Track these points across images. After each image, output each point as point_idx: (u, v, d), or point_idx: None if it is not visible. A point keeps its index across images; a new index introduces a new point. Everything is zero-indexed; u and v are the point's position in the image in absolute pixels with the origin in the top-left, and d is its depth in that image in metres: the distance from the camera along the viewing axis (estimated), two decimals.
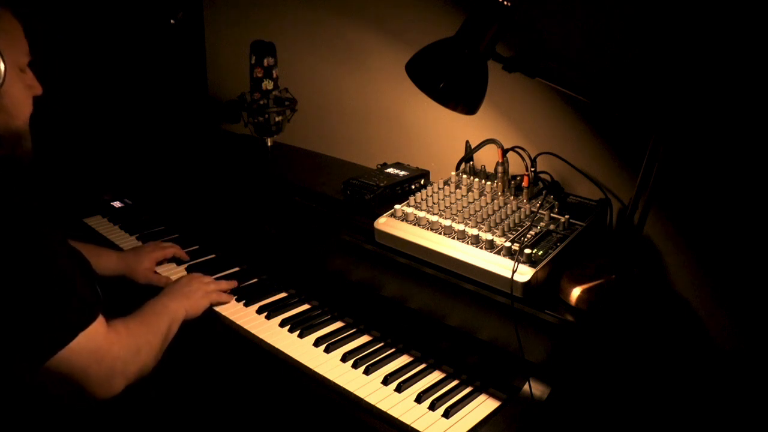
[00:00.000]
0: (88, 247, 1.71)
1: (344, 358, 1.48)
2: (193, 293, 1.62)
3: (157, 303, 1.55)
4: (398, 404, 1.34)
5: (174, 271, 1.86)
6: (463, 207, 1.57)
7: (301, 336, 1.57)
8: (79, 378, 1.25)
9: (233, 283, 1.74)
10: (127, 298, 1.74)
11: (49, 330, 1.22)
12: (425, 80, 1.40)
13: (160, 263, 1.87)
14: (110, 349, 1.30)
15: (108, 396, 1.30)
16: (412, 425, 1.28)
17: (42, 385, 1.26)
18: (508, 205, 1.56)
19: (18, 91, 1.34)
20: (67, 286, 1.25)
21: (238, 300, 1.71)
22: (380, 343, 1.55)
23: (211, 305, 1.65)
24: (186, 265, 1.88)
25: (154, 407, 1.63)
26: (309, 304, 1.72)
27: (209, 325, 1.65)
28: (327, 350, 1.51)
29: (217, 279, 1.75)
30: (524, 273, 1.34)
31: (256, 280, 1.82)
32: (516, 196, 1.62)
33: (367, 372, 1.44)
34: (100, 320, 1.29)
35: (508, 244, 1.41)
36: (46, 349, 1.21)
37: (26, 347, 1.21)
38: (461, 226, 1.48)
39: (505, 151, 1.63)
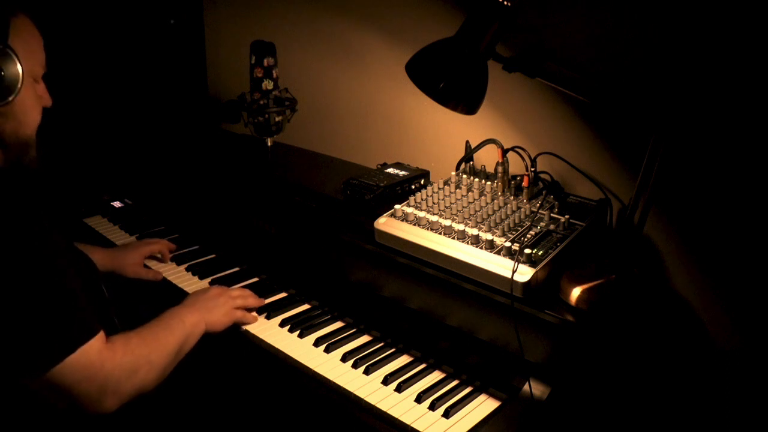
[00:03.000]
0: (78, 245, 1.71)
1: (344, 358, 1.48)
2: (217, 308, 1.55)
3: (174, 315, 1.48)
4: (398, 404, 1.34)
5: (172, 270, 1.86)
6: (463, 207, 1.57)
7: (301, 336, 1.57)
8: (69, 393, 1.23)
9: (261, 301, 1.67)
10: (120, 294, 1.74)
11: (46, 344, 1.20)
12: (425, 80, 1.40)
13: (157, 260, 1.89)
14: (102, 366, 1.25)
15: (99, 413, 1.26)
16: (412, 425, 1.28)
17: (35, 395, 1.25)
18: (508, 205, 1.56)
19: (30, 100, 1.34)
20: (67, 302, 1.23)
21: None
22: (380, 343, 1.55)
23: (236, 323, 1.59)
24: (186, 265, 1.88)
25: (152, 406, 1.63)
26: (309, 304, 1.72)
27: None
28: (327, 350, 1.51)
29: (219, 278, 1.74)
30: (524, 273, 1.34)
31: (256, 279, 1.82)
32: (516, 196, 1.62)
33: (367, 372, 1.44)
34: (99, 336, 1.26)
35: (508, 244, 1.41)
36: (43, 362, 1.19)
37: (21, 360, 1.20)
38: (461, 226, 1.48)
39: (505, 151, 1.63)
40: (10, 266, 1.18)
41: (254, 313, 1.63)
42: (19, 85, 1.28)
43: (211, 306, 1.55)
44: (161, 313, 1.48)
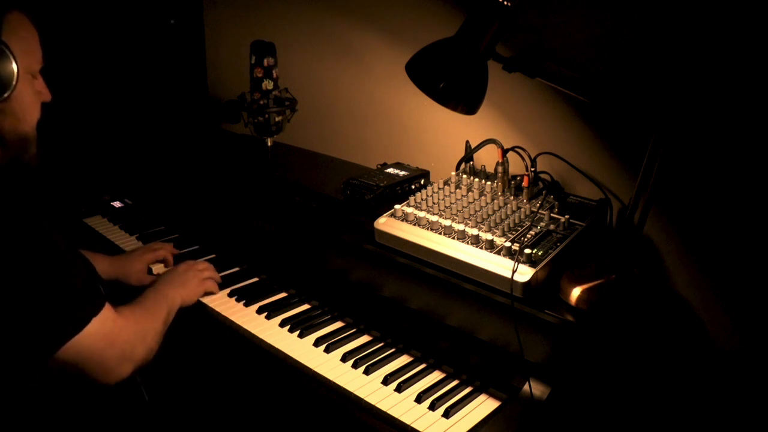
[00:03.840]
0: (82, 252, 1.71)
1: (344, 358, 1.48)
2: (189, 281, 1.66)
3: (156, 291, 1.58)
4: (398, 404, 1.34)
5: None
6: (463, 207, 1.57)
7: (301, 336, 1.57)
8: (92, 362, 1.30)
9: (219, 277, 1.77)
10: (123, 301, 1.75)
11: (64, 316, 1.26)
12: (425, 80, 1.40)
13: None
14: (120, 333, 1.34)
15: (116, 380, 1.34)
16: (412, 425, 1.28)
17: (46, 379, 1.29)
18: (508, 205, 1.56)
19: (28, 96, 1.35)
20: (77, 276, 1.30)
21: (238, 300, 1.71)
22: (380, 343, 1.55)
23: (205, 293, 1.69)
24: None
25: (154, 407, 1.63)
26: (309, 304, 1.72)
27: (209, 325, 1.65)
28: (327, 350, 1.51)
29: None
30: (524, 273, 1.34)
31: (256, 279, 1.82)
32: (516, 196, 1.62)
33: (367, 372, 1.44)
34: (109, 306, 1.34)
35: (508, 244, 1.41)
36: (61, 334, 1.25)
37: (42, 334, 1.25)
38: (461, 226, 1.48)
39: (505, 151, 1.63)
40: (15, 258, 1.21)
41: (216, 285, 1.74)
42: (14, 82, 1.28)
43: (184, 280, 1.66)
44: (143, 293, 1.57)
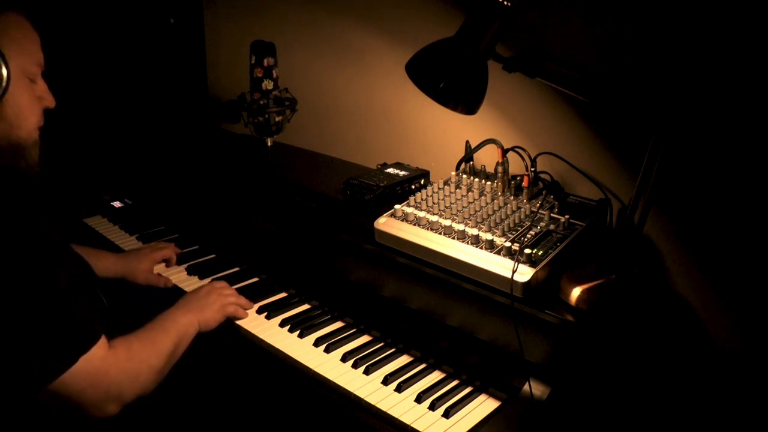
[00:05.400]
0: (87, 249, 1.70)
1: (344, 358, 1.48)
2: (209, 306, 1.56)
3: (168, 317, 1.49)
4: (398, 404, 1.34)
5: (175, 272, 1.86)
6: (463, 207, 1.57)
7: (301, 336, 1.57)
8: (72, 399, 1.22)
9: (250, 304, 1.67)
10: (128, 298, 1.75)
11: (49, 356, 1.19)
12: (425, 80, 1.40)
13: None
14: (107, 372, 1.25)
15: (100, 417, 1.26)
16: (412, 425, 1.28)
17: (37, 402, 1.23)
18: (508, 205, 1.56)
19: (24, 101, 1.28)
20: (68, 310, 1.22)
21: None
22: (380, 343, 1.55)
23: (228, 318, 1.60)
24: (186, 265, 1.88)
25: (152, 406, 1.63)
26: (309, 304, 1.72)
27: None
28: (327, 350, 1.51)
29: (219, 278, 1.76)
30: (524, 273, 1.34)
31: (256, 279, 1.82)
32: (516, 196, 1.62)
33: (367, 372, 1.44)
34: (101, 342, 1.25)
35: (508, 244, 1.41)
36: (46, 374, 1.18)
37: (25, 373, 1.19)
38: (461, 226, 1.48)
39: (505, 151, 1.63)
40: (10, 274, 1.16)
41: (246, 310, 1.65)
42: (4, 84, 1.22)
43: (203, 305, 1.56)
44: (156, 316, 1.48)
